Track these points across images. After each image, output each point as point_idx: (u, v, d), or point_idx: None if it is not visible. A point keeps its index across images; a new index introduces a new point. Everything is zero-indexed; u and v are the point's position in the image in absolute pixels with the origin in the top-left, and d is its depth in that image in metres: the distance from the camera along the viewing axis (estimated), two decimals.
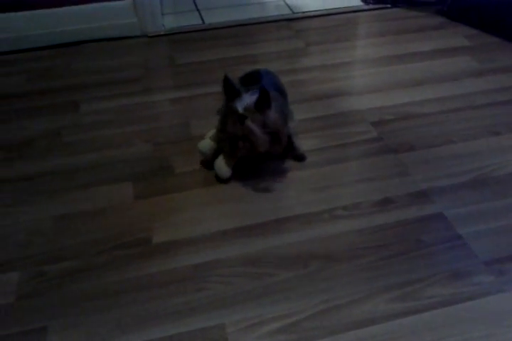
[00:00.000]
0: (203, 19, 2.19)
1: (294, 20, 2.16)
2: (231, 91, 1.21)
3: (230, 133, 1.21)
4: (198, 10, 2.29)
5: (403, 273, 1.06)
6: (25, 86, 1.77)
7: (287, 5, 2.31)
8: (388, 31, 2.05)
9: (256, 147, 1.21)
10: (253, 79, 1.33)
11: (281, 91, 1.37)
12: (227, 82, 1.20)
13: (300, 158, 1.39)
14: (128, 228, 1.19)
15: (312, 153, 1.40)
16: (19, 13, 1.92)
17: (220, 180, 1.31)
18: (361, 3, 2.28)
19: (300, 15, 2.21)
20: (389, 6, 2.23)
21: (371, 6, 2.24)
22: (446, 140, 1.43)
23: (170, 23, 2.15)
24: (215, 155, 1.32)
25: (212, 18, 2.18)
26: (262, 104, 1.17)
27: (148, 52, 1.98)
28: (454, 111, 1.55)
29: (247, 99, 1.18)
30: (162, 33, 2.08)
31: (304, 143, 1.41)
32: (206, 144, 1.33)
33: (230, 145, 1.23)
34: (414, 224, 1.17)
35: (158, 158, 1.41)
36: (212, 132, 1.34)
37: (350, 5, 2.26)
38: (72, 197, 1.28)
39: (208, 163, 1.35)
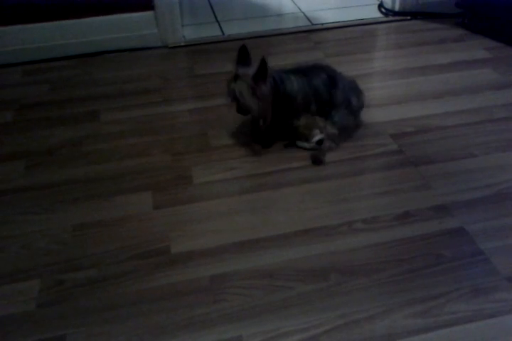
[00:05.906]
0: (222, 30, 2.21)
1: (312, 32, 2.17)
2: (244, 59, 1.30)
3: (228, 92, 1.31)
4: (217, 21, 2.31)
5: (423, 288, 1.04)
6: (48, 95, 1.80)
7: (306, 16, 2.32)
8: (408, 43, 2.04)
9: (245, 107, 1.30)
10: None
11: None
12: (243, 51, 1.30)
13: (317, 160, 1.39)
14: (147, 238, 1.19)
15: (331, 164, 1.40)
16: (42, 24, 1.96)
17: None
18: (380, 15, 2.28)
19: (319, 26, 2.22)
20: (408, 18, 2.23)
21: (390, 18, 2.25)
22: (467, 153, 1.41)
23: (190, 34, 2.18)
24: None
25: (232, 30, 2.21)
26: (258, 75, 1.26)
27: (168, 63, 2.00)
28: (474, 124, 1.53)
29: (252, 69, 1.27)
30: (182, 44, 2.11)
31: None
32: None
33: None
34: (434, 239, 1.16)
35: (177, 168, 1.41)
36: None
37: (369, 17, 2.26)
38: (91, 206, 1.30)
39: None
